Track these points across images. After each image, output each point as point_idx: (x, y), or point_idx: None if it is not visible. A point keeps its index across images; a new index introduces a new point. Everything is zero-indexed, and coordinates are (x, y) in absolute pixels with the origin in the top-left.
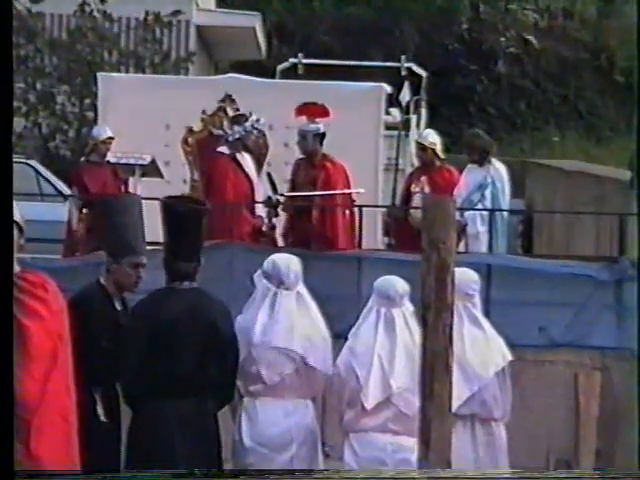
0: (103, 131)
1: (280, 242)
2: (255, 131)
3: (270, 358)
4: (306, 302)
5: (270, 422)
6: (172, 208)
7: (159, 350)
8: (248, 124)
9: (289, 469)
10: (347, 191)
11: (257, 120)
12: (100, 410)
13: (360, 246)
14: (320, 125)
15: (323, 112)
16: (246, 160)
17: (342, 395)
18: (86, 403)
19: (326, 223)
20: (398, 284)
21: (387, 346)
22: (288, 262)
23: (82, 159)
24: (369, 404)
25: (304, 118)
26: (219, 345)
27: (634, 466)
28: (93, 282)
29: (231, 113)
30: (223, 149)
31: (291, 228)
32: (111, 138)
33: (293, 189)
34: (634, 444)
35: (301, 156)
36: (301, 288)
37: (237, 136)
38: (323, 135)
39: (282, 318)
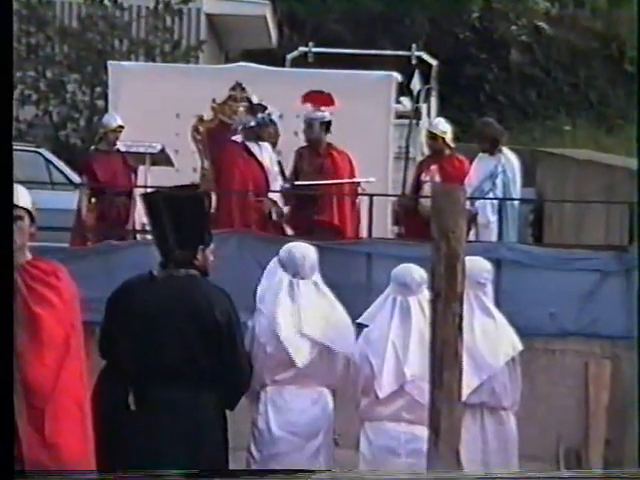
0: (113, 119)
1: (289, 231)
2: (270, 122)
3: (297, 343)
4: (323, 291)
5: (299, 410)
6: (173, 196)
7: (148, 337)
8: (264, 115)
9: (289, 469)
10: (357, 180)
11: (271, 113)
12: (131, 400)
13: (370, 235)
14: (326, 113)
15: (329, 100)
16: (261, 149)
17: (357, 383)
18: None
19: (334, 211)
20: (416, 272)
21: (402, 334)
22: (304, 251)
23: (92, 147)
24: (383, 392)
25: (309, 106)
26: (220, 334)
27: None
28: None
29: (253, 101)
30: (237, 137)
31: (296, 216)
32: (121, 126)
33: (296, 178)
34: None
35: (303, 145)
36: (317, 277)
37: (252, 124)
38: (329, 123)
39: (303, 306)
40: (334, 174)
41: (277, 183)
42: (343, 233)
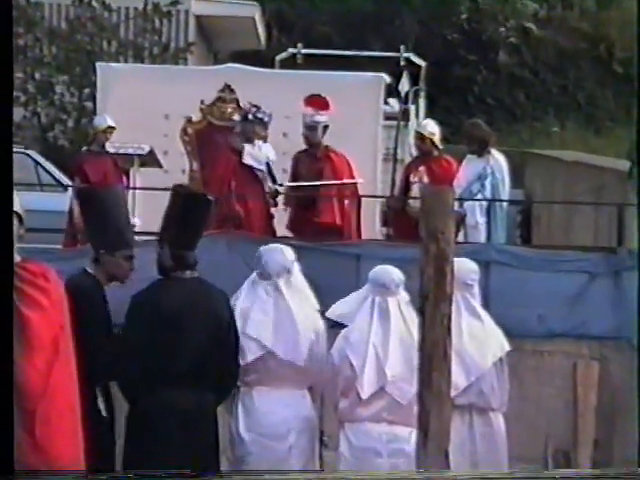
0: (103, 120)
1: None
2: (257, 120)
3: (249, 347)
4: (284, 294)
5: (268, 411)
6: (184, 196)
7: (162, 340)
8: (249, 115)
9: (282, 470)
10: (346, 181)
11: (257, 109)
12: (101, 405)
13: (359, 236)
14: (326, 117)
15: (327, 105)
16: (255, 151)
17: (336, 384)
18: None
19: (334, 213)
20: (394, 273)
21: (381, 335)
22: (268, 252)
23: (84, 149)
24: (365, 393)
25: (310, 109)
26: (221, 335)
27: (632, 459)
28: (81, 271)
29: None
30: (232, 140)
31: (296, 219)
32: (111, 127)
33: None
34: (634, 436)
35: (300, 150)
36: (283, 279)
37: (238, 129)
38: (326, 127)
39: (256, 307)
40: (334, 177)
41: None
42: (345, 234)
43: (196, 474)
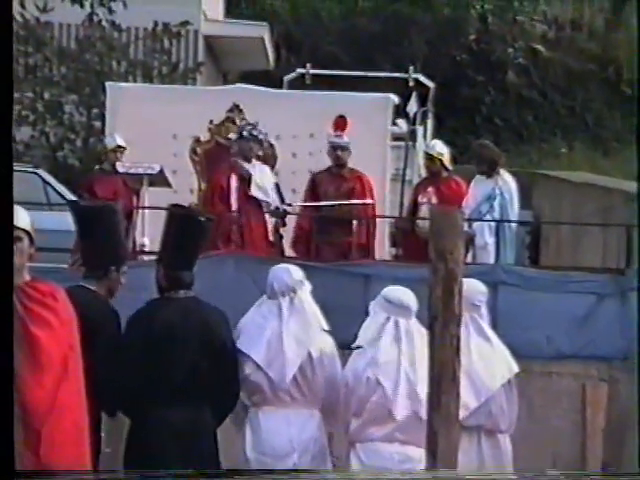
0: (112, 140)
1: (290, 252)
2: (252, 138)
3: (242, 362)
4: (284, 313)
5: (272, 431)
6: (179, 216)
7: (158, 359)
8: (244, 132)
9: (289, 469)
10: (354, 202)
11: (253, 127)
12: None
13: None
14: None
15: (346, 125)
16: (255, 169)
17: (349, 404)
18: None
19: (364, 235)
20: (411, 294)
21: (408, 356)
22: (275, 272)
23: (96, 168)
24: (400, 414)
25: (338, 131)
26: (217, 354)
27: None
28: (78, 288)
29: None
30: (233, 160)
31: (323, 238)
32: (120, 147)
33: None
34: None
35: (319, 170)
36: (286, 299)
37: (235, 148)
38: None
39: (255, 325)
40: (363, 197)
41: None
42: (370, 254)
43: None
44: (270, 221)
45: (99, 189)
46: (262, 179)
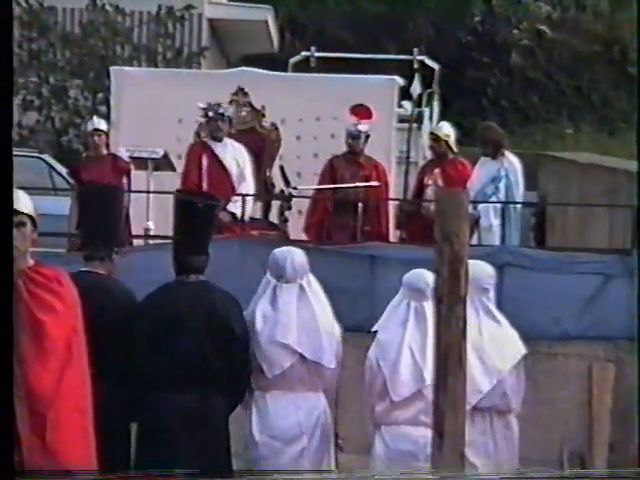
0: (91, 123)
1: (295, 235)
2: (219, 117)
3: (270, 351)
4: (308, 295)
5: (280, 415)
6: (186, 202)
7: (168, 344)
8: (210, 113)
9: (296, 470)
10: (360, 185)
11: (218, 106)
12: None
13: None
14: (368, 126)
15: (370, 114)
16: (225, 148)
17: (373, 387)
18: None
19: (381, 220)
20: (428, 277)
21: (418, 339)
22: (287, 255)
23: (83, 154)
24: (397, 396)
25: (355, 118)
26: (228, 338)
27: None
28: (83, 273)
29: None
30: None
31: (338, 224)
32: (99, 130)
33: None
34: None
35: (336, 154)
36: (305, 281)
37: (204, 130)
38: (368, 136)
39: (281, 311)
40: (380, 182)
41: (244, 185)
42: (386, 238)
43: (207, 475)
44: (275, 204)
45: (86, 174)
46: (235, 157)
